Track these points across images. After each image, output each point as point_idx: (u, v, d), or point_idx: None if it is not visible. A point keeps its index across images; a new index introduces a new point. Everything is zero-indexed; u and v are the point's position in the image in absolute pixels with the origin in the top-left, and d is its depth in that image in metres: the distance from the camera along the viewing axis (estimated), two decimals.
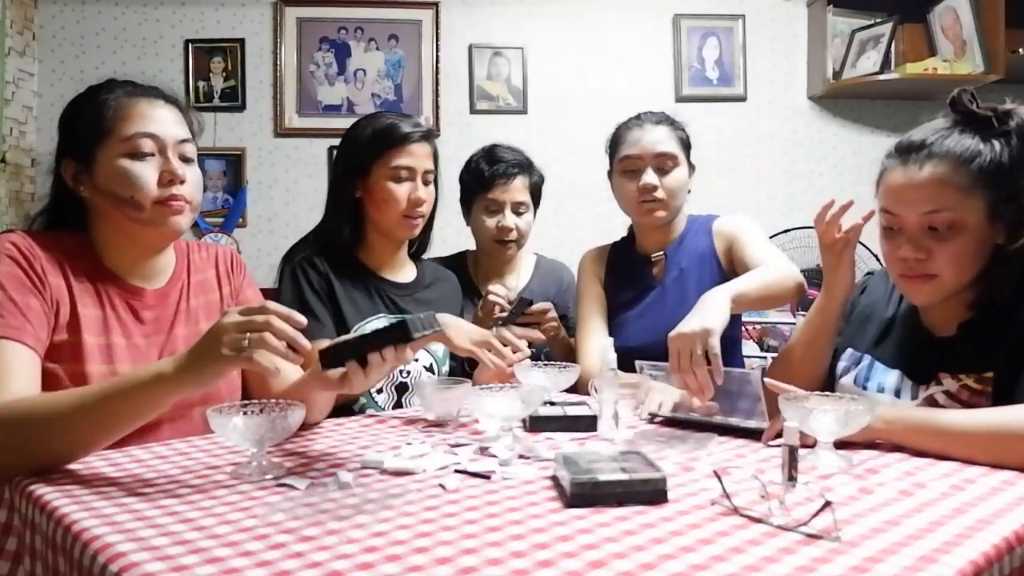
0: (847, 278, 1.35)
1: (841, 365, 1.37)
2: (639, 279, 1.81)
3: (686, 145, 1.78)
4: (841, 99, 3.39)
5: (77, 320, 1.19)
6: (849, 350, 1.37)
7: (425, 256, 1.94)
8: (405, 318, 1.07)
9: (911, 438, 1.09)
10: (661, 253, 1.80)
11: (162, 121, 1.25)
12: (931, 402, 1.20)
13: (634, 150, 1.73)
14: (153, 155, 1.23)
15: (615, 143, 1.80)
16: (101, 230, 1.27)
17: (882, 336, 1.33)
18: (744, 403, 1.25)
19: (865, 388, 1.30)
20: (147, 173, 1.22)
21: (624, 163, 1.75)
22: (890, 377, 1.27)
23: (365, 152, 1.66)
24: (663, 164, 1.72)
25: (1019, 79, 3.10)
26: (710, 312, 1.28)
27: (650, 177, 1.71)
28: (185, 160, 1.27)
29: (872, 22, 3.22)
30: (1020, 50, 3.17)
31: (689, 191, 1.80)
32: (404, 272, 1.76)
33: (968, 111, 1.19)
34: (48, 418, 1.01)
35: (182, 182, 1.24)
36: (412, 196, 1.64)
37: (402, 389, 1.67)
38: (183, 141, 1.27)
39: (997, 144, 1.16)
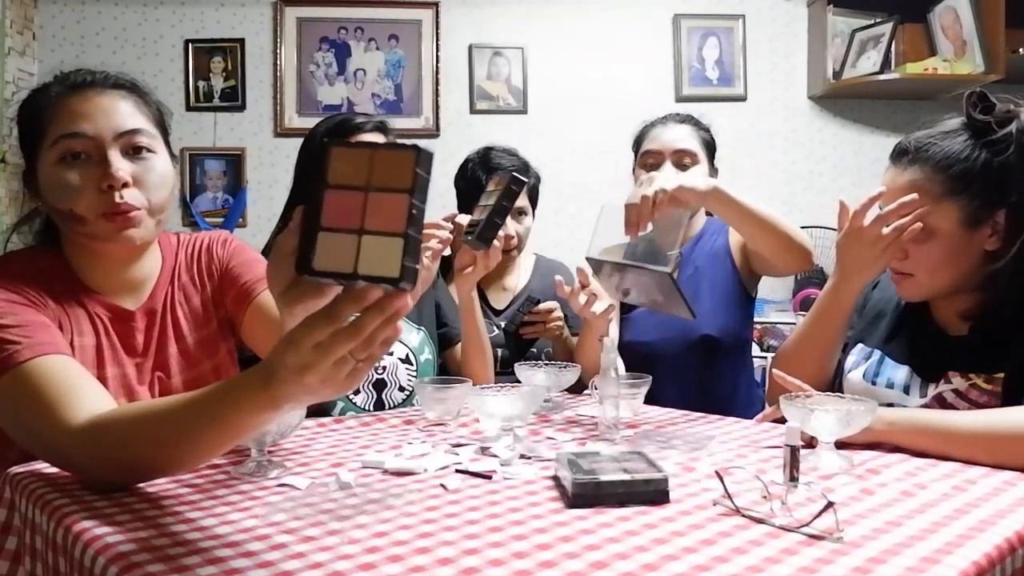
0: (876, 274, 1.30)
1: (851, 360, 1.36)
2: None
3: (709, 146, 1.81)
4: (841, 99, 3.39)
5: (72, 351, 1.05)
6: (860, 345, 1.36)
7: None
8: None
9: (913, 440, 1.09)
10: (678, 252, 1.77)
11: (98, 115, 1.07)
12: (940, 400, 1.20)
13: (654, 145, 1.78)
14: (90, 157, 1.07)
15: (639, 140, 1.85)
16: (68, 244, 1.15)
17: (893, 332, 1.32)
18: (661, 251, 1.28)
19: (874, 383, 1.29)
20: (82, 180, 1.06)
21: (644, 158, 1.79)
22: (899, 373, 1.26)
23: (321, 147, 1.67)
24: (682, 160, 1.74)
25: (1019, 79, 3.10)
26: (693, 176, 1.43)
27: (667, 171, 1.72)
28: (137, 151, 1.10)
29: (872, 22, 3.22)
30: (1020, 50, 3.17)
31: None
32: None
33: (968, 115, 1.20)
34: (144, 435, 0.88)
35: (125, 185, 1.07)
36: None
37: (380, 386, 1.65)
38: (129, 132, 1.08)
39: (986, 152, 1.17)
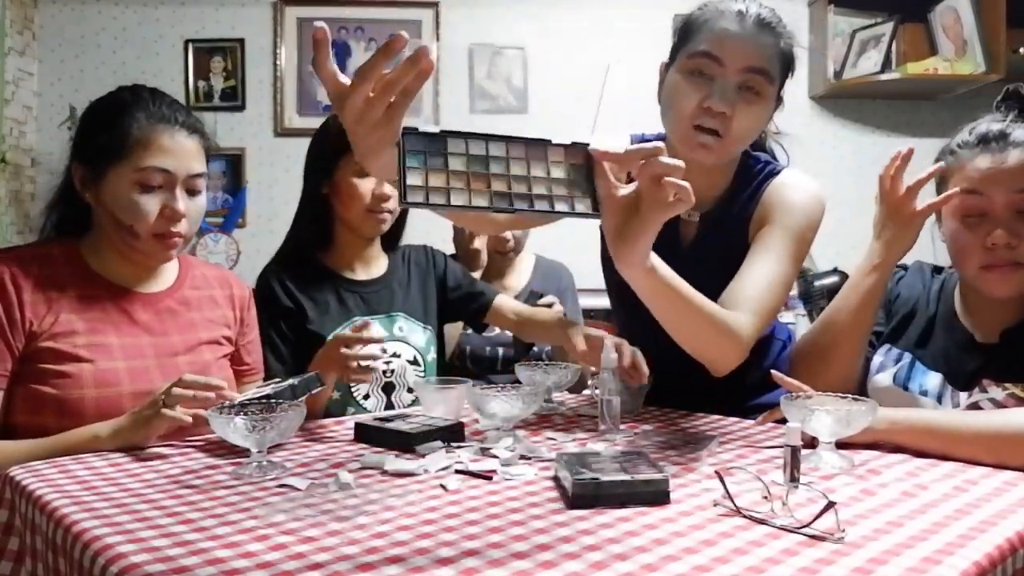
0: (909, 246, 1.24)
1: (877, 360, 1.32)
2: (661, 238, 1.27)
3: (786, 67, 1.31)
4: (842, 99, 3.39)
5: (60, 327, 1.21)
6: (887, 345, 1.33)
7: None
8: (292, 383, 1.20)
9: (915, 439, 1.09)
10: (697, 215, 1.37)
11: (178, 155, 1.26)
12: (975, 409, 1.18)
13: (716, 49, 1.22)
14: (161, 187, 1.25)
15: (691, 28, 1.28)
16: (100, 236, 1.31)
17: (923, 336, 1.29)
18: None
19: (906, 389, 1.26)
20: (151, 207, 1.24)
21: (695, 60, 1.24)
22: (932, 379, 1.24)
23: (332, 148, 1.65)
24: (749, 82, 1.23)
25: (1020, 79, 3.09)
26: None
27: (725, 95, 1.21)
28: (192, 192, 1.29)
29: (873, 22, 3.22)
30: (1021, 50, 3.17)
31: (763, 135, 1.43)
32: (376, 266, 1.74)
33: None
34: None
35: (182, 219, 1.26)
36: (376, 191, 1.62)
37: (389, 389, 1.64)
38: (195, 176, 1.28)
39: None
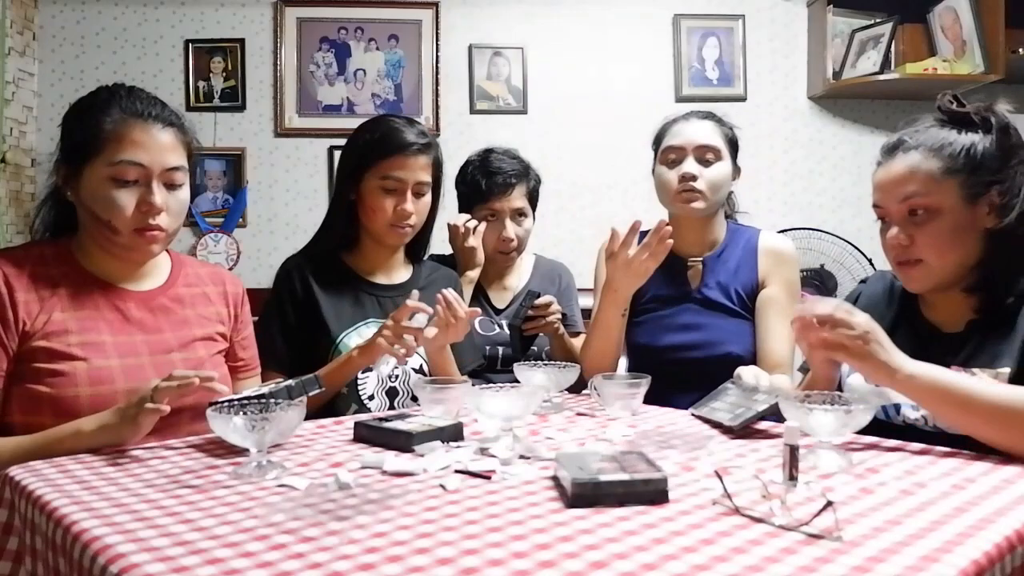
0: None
1: (847, 366, 1.34)
2: (673, 282, 1.78)
3: (732, 143, 1.80)
4: (841, 99, 3.38)
5: (53, 326, 1.22)
6: None
7: (432, 253, 1.93)
8: (290, 385, 1.21)
9: (929, 399, 1.11)
10: (699, 260, 1.78)
11: (153, 148, 1.25)
12: None
13: (676, 140, 1.75)
14: (137, 182, 1.24)
15: (659, 136, 1.82)
16: (86, 235, 1.31)
17: (887, 334, 1.32)
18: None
19: (878, 384, 1.27)
20: (127, 201, 1.24)
21: (666, 154, 1.76)
22: None
23: (361, 158, 1.67)
24: (704, 156, 1.73)
25: (1019, 79, 3.10)
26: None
27: (690, 166, 1.71)
28: (171, 186, 1.28)
29: (872, 22, 3.22)
30: (1020, 50, 3.16)
31: (731, 193, 1.85)
32: (398, 274, 1.77)
33: (949, 111, 1.27)
34: None
35: (160, 212, 1.26)
36: (399, 208, 1.64)
37: (393, 394, 1.65)
38: (172, 169, 1.27)
39: (974, 135, 1.24)
